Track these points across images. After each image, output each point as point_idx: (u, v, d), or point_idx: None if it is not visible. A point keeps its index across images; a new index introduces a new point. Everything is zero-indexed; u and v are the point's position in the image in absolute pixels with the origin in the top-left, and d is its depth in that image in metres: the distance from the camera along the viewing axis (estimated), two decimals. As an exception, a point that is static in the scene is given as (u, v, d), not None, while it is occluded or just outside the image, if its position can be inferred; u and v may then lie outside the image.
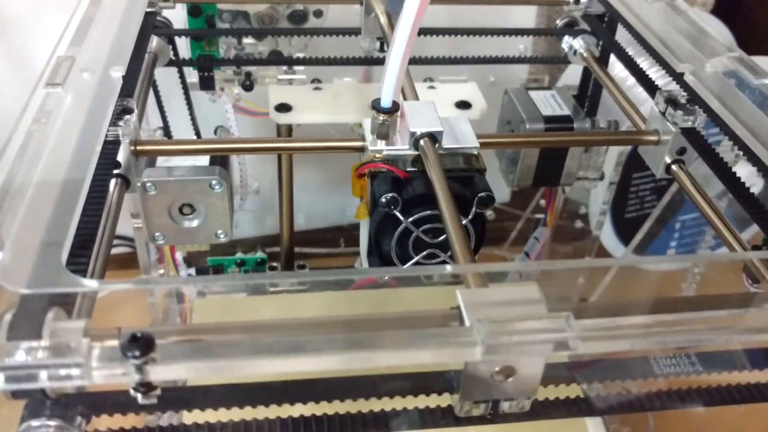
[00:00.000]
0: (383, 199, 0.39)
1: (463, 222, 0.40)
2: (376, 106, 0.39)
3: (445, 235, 0.40)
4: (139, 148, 0.39)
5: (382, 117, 0.39)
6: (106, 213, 0.35)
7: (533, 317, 0.25)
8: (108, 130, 0.35)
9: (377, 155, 0.40)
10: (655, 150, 0.44)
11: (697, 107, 0.41)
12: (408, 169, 0.41)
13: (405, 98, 0.44)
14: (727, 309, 0.27)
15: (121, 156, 0.38)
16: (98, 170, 0.33)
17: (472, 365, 0.26)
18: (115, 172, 0.38)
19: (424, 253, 0.42)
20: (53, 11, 0.66)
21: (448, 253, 0.42)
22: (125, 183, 0.39)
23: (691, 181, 0.42)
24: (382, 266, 0.43)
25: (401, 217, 0.40)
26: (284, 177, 0.62)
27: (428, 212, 0.41)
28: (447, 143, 0.40)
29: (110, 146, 0.36)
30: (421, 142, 0.39)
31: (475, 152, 0.41)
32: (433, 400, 0.29)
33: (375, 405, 0.29)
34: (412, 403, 0.29)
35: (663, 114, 0.43)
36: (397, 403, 0.29)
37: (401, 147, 0.39)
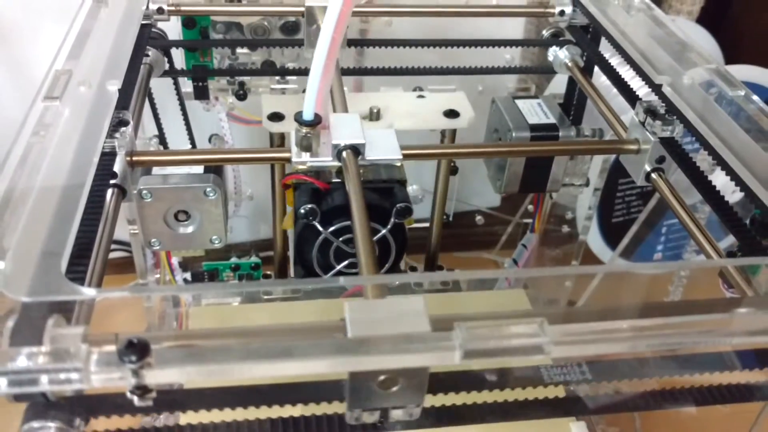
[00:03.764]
0: (301, 210, 0.40)
1: (383, 231, 0.41)
2: (298, 118, 0.39)
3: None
4: (135, 159, 0.40)
5: (304, 129, 0.39)
6: (103, 222, 0.36)
7: (416, 328, 0.26)
8: (105, 142, 0.36)
9: (301, 167, 0.40)
10: (635, 158, 0.45)
11: (675, 117, 0.43)
12: (334, 180, 0.41)
13: (336, 110, 0.45)
14: (700, 314, 0.29)
15: (118, 167, 0.39)
16: (95, 181, 0.34)
17: (355, 375, 0.26)
18: (112, 182, 0.39)
19: (346, 262, 0.43)
20: (50, 21, 0.67)
21: None
22: (122, 193, 0.40)
23: (669, 188, 0.43)
24: (306, 275, 0.43)
25: (320, 228, 0.41)
26: (277, 183, 0.63)
27: (348, 223, 0.41)
28: (371, 155, 0.40)
29: (107, 158, 0.37)
30: (344, 153, 0.39)
31: (398, 164, 0.41)
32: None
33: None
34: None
35: (642, 124, 0.44)
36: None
37: (325, 159, 0.40)
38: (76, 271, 0.30)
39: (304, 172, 0.41)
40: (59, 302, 0.27)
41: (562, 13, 0.56)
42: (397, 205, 0.41)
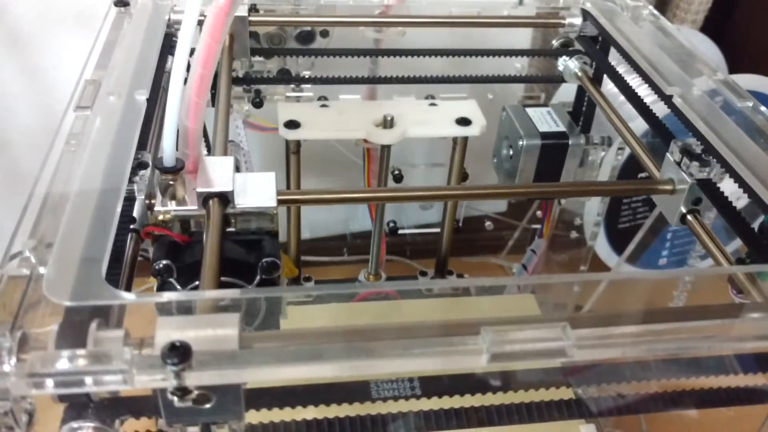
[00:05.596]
0: (156, 267, 0.36)
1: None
2: (157, 164, 0.35)
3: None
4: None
5: (167, 177, 0.35)
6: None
7: (225, 346, 0.26)
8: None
9: (164, 216, 0.36)
10: (670, 199, 0.44)
11: (712, 158, 0.41)
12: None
13: (215, 152, 0.42)
14: (711, 319, 0.30)
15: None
16: (127, 188, 0.35)
17: (163, 391, 0.26)
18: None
19: None
20: (66, 30, 0.68)
21: None
22: (148, 199, 0.41)
23: (705, 231, 0.42)
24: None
25: (178, 287, 0.36)
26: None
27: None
28: (241, 203, 0.36)
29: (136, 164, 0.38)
30: (210, 202, 0.36)
31: (273, 212, 0.37)
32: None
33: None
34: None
35: (678, 164, 0.43)
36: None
37: (190, 207, 0.36)
38: (112, 276, 0.31)
39: (166, 223, 0.36)
40: (100, 306, 0.28)
41: (572, 24, 0.57)
42: (263, 260, 0.36)
